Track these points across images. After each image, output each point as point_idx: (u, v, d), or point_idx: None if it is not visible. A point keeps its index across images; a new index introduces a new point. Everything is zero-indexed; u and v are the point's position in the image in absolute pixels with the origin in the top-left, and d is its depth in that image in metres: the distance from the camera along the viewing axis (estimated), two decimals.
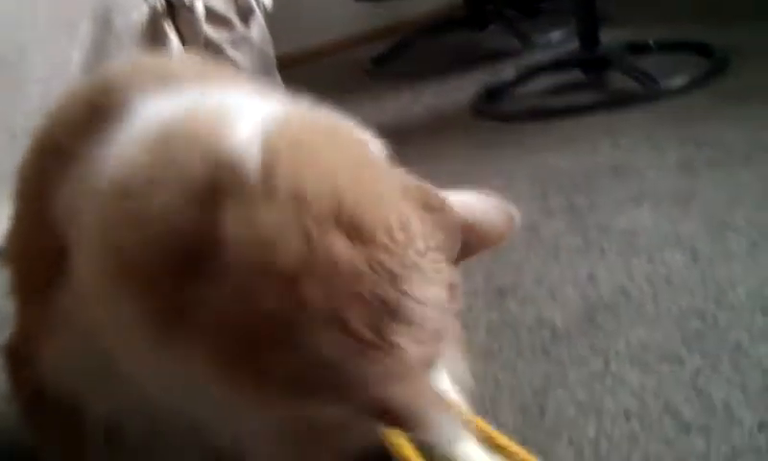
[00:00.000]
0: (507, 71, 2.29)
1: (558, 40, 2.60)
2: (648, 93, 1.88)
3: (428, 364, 0.56)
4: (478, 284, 1.20)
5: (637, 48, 2.10)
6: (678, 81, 1.87)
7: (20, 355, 0.82)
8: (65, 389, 0.77)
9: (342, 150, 0.60)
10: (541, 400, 0.90)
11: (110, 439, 0.78)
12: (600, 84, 2.09)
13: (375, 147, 0.63)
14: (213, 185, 0.55)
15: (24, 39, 1.57)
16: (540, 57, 2.44)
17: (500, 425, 0.87)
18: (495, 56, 2.62)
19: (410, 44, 2.95)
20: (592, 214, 1.35)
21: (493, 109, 2.11)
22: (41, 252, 0.72)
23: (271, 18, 2.00)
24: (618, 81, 2.02)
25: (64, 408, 0.79)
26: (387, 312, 0.51)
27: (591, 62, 2.11)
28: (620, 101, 1.91)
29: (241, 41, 1.89)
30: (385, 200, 0.56)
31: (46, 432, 0.85)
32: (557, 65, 2.23)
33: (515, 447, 0.74)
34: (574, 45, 2.15)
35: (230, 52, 1.86)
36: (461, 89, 2.32)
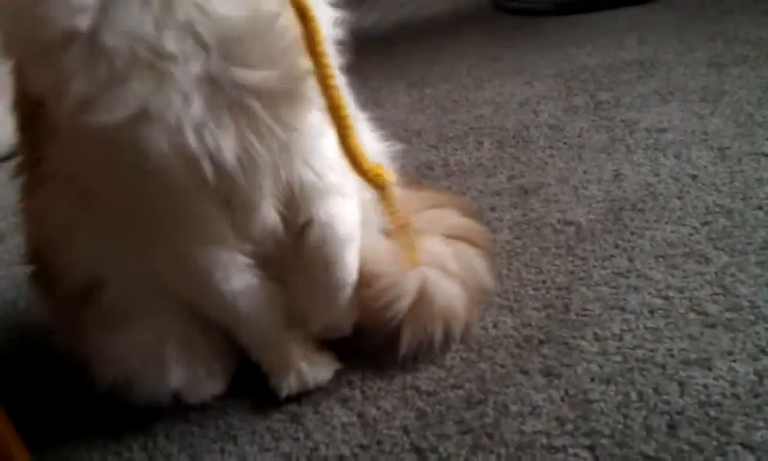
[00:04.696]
0: None
1: None
2: None
3: None
4: (502, 184, 1.19)
5: None
6: None
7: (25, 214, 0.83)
8: (52, 244, 0.78)
9: None
10: (566, 297, 0.90)
11: (88, 300, 0.80)
12: None
13: None
14: None
15: None
16: None
17: (524, 322, 0.88)
18: None
19: None
20: (618, 111, 1.33)
21: (516, 4, 2.05)
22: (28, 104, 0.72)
23: None
24: None
25: (52, 266, 0.80)
26: None
27: None
28: None
29: None
30: None
31: (42, 290, 0.86)
32: None
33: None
34: None
35: None
36: None
